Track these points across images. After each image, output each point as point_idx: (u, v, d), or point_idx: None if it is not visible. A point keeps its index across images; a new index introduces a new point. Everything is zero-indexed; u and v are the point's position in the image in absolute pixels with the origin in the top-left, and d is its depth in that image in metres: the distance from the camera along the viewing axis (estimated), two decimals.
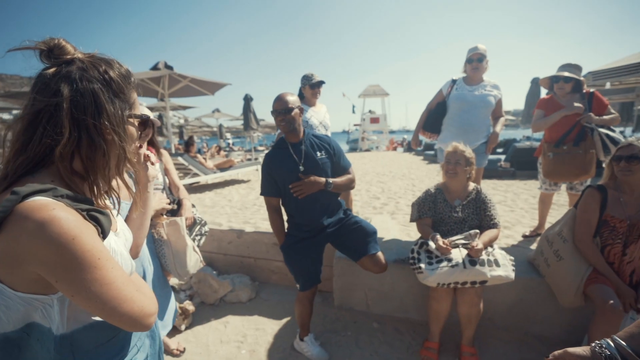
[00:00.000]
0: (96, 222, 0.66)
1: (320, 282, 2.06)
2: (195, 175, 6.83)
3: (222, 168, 7.62)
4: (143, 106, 2.08)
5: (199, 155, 7.36)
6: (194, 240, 1.92)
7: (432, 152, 12.41)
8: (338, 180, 1.96)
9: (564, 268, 1.88)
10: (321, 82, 3.09)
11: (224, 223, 4.30)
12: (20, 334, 0.64)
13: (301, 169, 1.90)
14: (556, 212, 4.18)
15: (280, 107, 1.84)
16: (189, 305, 2.51)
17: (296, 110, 1.86)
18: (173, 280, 2.92)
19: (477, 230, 1.96)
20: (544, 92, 3.62)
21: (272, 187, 1.98)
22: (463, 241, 1.95)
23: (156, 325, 0.98)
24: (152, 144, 2.16)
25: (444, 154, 2.23)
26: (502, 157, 8.12)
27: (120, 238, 0.81)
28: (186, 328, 2.47)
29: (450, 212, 2.13)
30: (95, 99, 0.65)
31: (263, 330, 2.46)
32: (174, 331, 2.42)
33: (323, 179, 1.89)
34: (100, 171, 0.70)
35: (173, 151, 8.20)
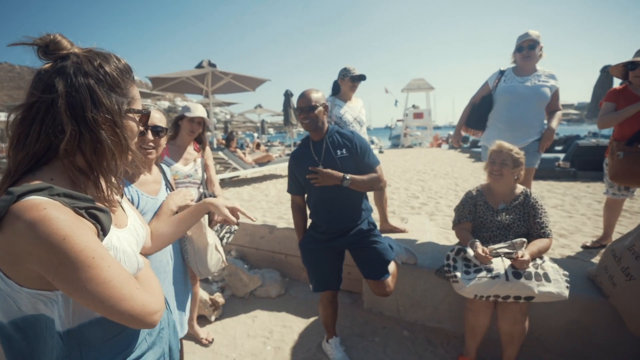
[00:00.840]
0: (95, 219, 0.65)
1: (337, 289, 1.98)
2: (235, 169, 7.06)
3: (260, 163, 7.80)
4: (197, 106, 2.13)
5: (238, 150, 7.60)
6: (222, 238, 1.94)
7: (479, 150, 11.62)
8: (358, 177, 1.81)
9: (636, 290, 1.60)
10: (362, 77, 2.95)
11: (259, 217, 4.37)
12: (34, 319, 0.65)
13: (320, 168, 1.83)
14: (628, 221, 3.65)
15: (304, 105, 1.77)
16: (219, 298, 2.57)
17: (320, 108, 1.79)
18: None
19: (524, 239, 1.75)
20: (617, 83, 3.14)
21: (295, 185, 1.98)
22: (506, 250, 1.75)
23: (168, 319, 0.97)
24: (199, 140, 2.23)
25: (488, 153, 2.01)
26: (561, 155, 7.30)
27: (128, 234, 0.80)
28: (216, 319, 2.54)
29: (492, 216, 1.92)
30: (92, 94, 0.64)
31: (290, 327, 2.45)
32: (204, 321, 2.50)
33: (340, 174, 1.78)
34: (103, 166, 0.69)
35: (215, 146, 8.56)
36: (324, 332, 2.18)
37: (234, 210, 1.13)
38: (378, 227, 3.16)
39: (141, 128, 0.80)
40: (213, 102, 9.33)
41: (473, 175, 7.52)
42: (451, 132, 23.76)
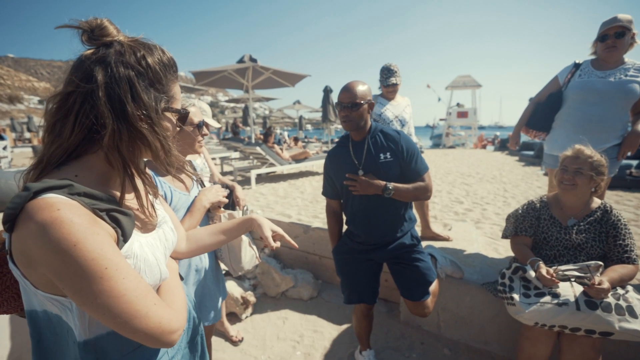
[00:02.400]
0: (116, 223, 0.61)
1: (373, 303, 1.80)
2: (271, 165, 7.10)
3: (297, 159, 7.78)
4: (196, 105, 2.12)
5: (275, 146, 7.64)
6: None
7: (530, 153, 10.71)
8: (402, 186, 1.59)
9: None
10: (391, 84, 2.78)
11: (294, 215, 4.32)
12: (58, 319, 0.62)
13: (360, 174, 1.64)
14: None
15: (347, 101, 1.55)
16: (251, 297, 2.53)
17: (365, 106, 1.57)
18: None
19: (600, 263, 1.48)
20: None
21: (331, 189, 1.80)
22: (577, 274, 1.50)
23: (195, 331, 0.90)
24: None
25: (558, 159, 1.74)
26: (634, 162, 6.44)
27: (154, 240, 0.73)
28: (246, 317, 2.51)
29: (559, 233, 1.66)
30: (131, 87, 0.60)
31: (321, 333, 2.35)
32: (235, 319, 2.48)
33: (382, 183, 1.57)
34: (139, 165, 0.65)
35: (253, 140, 8.70)
36: (357, 341, 2.05)
37: (276, 236, 1.06)
38: (420, 234, 2.98)
39: (177, 128, 0.73)
40: (253, 97, 9.49)
41: (524, 180, 6.91)
42: (498, 133, 22.28)
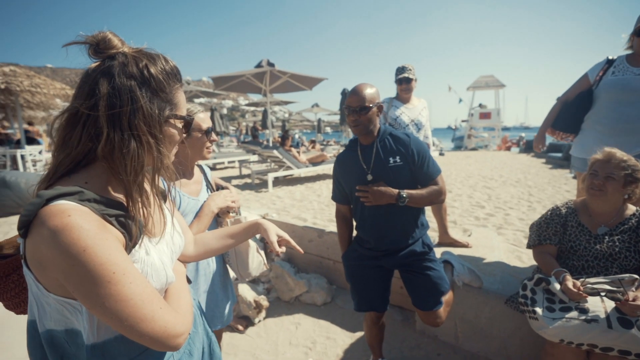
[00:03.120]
0: (124, 229, 0.63)
1: (383, 310, 1.74)
2: (288, 168, 7.13)
3: (314, 162, 7.77)
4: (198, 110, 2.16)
5: (292, 149, 7.66)
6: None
7: (558, 155, 10.21)
8: (416, 193, 1.54)
9: None
10: (403, 79, 2.72)
11: (309, 219, 4.30)
12: (62, 339, 0.63)
13: (369, 178, 1.59)
14: None
15: (356, 104, 1.51)
16: (264, 301, 2.52)
17: (373, 110, 1.53)
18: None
19: (636, 276, 1.36)
20: None
21: (340, 194, 1.76)
22: (608, 287, 1.38)
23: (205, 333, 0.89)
24: None
25: (587, 162, 1.62)
26: None
27: (162, 244, 0.75)
28: (259, 321, 2.50)
29: (588, 242, 1.55)
30: (132, 97, 0.62)
31: (334, 340, 2.30)
32: (248, 322, 2.48)
33: (395, 191, 1.51)
34: (131, 173, 0.64)
35: (270, 144, 8.77)
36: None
37: (282, 241, 1.07)
38: (437, 240, 2.88)
39: (184, 135, 0.75)
40: (271, 101, 9.59)
41: (551, 184, 6.58)
42: (523, 134, 21.40)
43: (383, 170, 1.57)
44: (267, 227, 1.06)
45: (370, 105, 1.51)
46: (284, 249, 1.06)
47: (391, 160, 1.56)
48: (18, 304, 0.81)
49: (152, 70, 0.65)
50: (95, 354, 0.63)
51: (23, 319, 0.89)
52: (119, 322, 0.56)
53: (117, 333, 0.65)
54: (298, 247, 1.09)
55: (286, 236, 1.07)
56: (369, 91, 1.52)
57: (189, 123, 0.75)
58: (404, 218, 1.61)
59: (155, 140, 0.66)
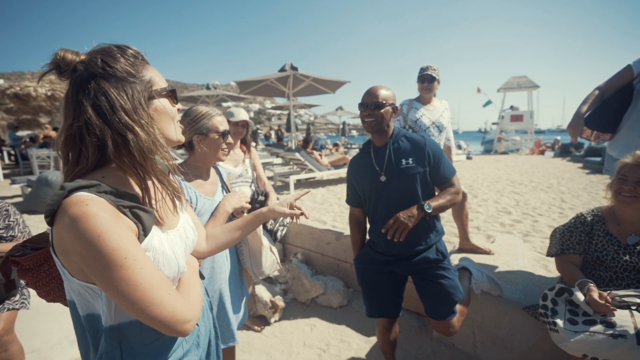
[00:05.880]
0: (137, 219, 0.67)
1: (395, 317, 1.71)
2: (310, 170, 7.18)
3: (336, 165, 7.78)
4: (239, 110, 2.20)
5: (314, 152, 7.71)
6: (276, 231, 1.91)
7: (596, 159, 9.56)
8: (436, 203, 1.50)
9: None
10: (425, 77, 2.64)
11: (329, 222, 4.31)
12: (83, 327, 0.69)
13: (382, 180, 1.58)
14: None
15: (369, 101, 1.52)
16: (279, 301, 2.56)
17: (387, 108, 1.53)
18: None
19: None
20: None
21: (353, 196, 1.76)
22: (638, 300, 1.29)
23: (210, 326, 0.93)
24: (244, 142, 2.33)
25: (617, 166, 1.53)
26: None
27: (174, 237, 0.78)
28: (275, 322, 2.54)
29: (617, 252, 1.45)
30: (106, 95, 0.65)
31: (348, 343, 2.30)
32: (264, 322, 2.52)
33: (415, 211, 1.45)
34: (138, 165, 0.69)
35: (293, 147, 8.88)
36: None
37: (290, 206, 1.13)
38: (457, 246, 2.80)
39: (177, 104, 0.79)
40: (295, 105, 9.72)
41: (587, 190, 6.19)
42: (558, 137, 20.19)
43: (396, 172, 1.57)
44: (275, 209, 1.10)
45: (384, 102, 1.52)
46: (300, 207, 1.12)
47: (403, 162, 1.56)
48: (49, 292, 0.87)
49: (111, 62, 0.67)
50: (111, 336, 0.68)
51: (55, 306, 0.97)
52: (130, 305, 0.61)
53: (132, 318, 0.69)
54: (304, 211, 1.13)
55: (291, 199, 1.13)
56: (383, 91, 1.54)
57: (173, 91, 0.77)
58: (417, 224, 1.57)
59: (145, 123, 0.69)
